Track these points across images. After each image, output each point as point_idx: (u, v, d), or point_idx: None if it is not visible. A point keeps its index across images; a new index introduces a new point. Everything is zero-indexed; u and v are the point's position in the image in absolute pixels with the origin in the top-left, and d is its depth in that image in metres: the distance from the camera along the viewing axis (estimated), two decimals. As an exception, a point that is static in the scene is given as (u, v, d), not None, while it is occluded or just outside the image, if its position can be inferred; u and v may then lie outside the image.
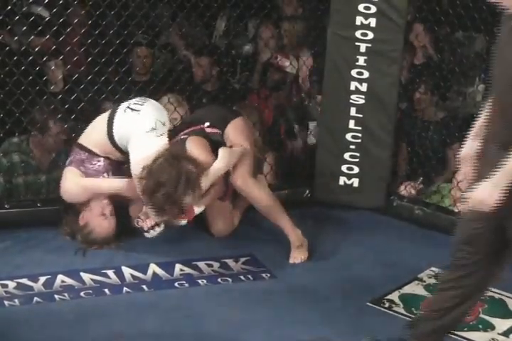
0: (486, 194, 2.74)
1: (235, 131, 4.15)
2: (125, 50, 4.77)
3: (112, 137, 4.04)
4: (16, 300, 3.61)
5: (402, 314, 3.65)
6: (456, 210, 4.62)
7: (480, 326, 3.60)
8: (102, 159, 4.10)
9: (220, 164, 3.96)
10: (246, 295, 3.74)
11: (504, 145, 2.74)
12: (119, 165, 4.15)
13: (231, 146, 4.08)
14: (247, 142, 4.13)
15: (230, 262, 4.05)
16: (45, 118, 4.49)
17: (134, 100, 4.13)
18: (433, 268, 4.07)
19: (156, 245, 4.11)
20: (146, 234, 4.02)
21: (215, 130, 4.15)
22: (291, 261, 4.05)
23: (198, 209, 3.96)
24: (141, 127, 3.96)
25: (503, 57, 2.71)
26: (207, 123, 4.17)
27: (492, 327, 3.59)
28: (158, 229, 4.00)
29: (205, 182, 3.87)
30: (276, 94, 5.49)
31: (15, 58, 4.36)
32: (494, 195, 2.73)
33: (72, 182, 4.08)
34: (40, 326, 3.41)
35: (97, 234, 4.06)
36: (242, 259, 4.06)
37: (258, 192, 4.06)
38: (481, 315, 3.68)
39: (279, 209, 4.08)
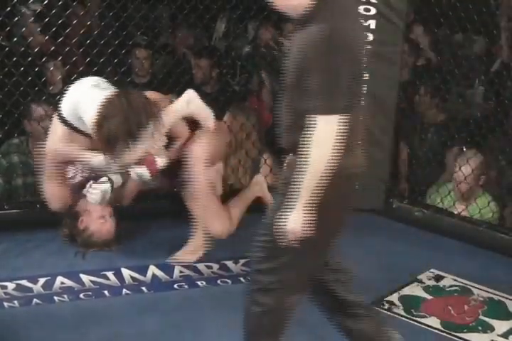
0: (292, 225, 2.57)
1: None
2: (124, 51, 4.78)
3: (63, 118, 3.82)
4: (16, 302, 3.61)
5: (401, 315, 3.65)
6: (456, 212, 4.62)
7: (479, 327, 3.60)
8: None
9: (180, 103, 3.83)
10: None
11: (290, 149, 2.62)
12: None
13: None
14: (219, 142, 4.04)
15: (230, 264, 4.05)
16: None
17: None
18: (432, 270, 4.07)
19: (156, 247, 4.11)
20: (90, 196, 3.88)
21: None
22: (170, 259, 3.99)
23: (161, 161, 3.82)
24: (82, 90, 3.78)
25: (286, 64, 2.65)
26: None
27: (491, 329, 3.59)
28: (103, 187, 3.85)
29: (164, 121, 3.67)
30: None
31: (14, 59, 4.36)
32: (300, 223, 2.56)
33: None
34: (39, 328, 3.41)
35: (97, 237, 4.05)
36: (242, 261, 4.05)
37: (202, 170, 3.87)
38: (481, 317, 3.68)
39: (203, 206, 3.92)
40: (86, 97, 3.73)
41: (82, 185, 3.96)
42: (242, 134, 4.75)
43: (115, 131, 3.52)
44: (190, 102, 3.85)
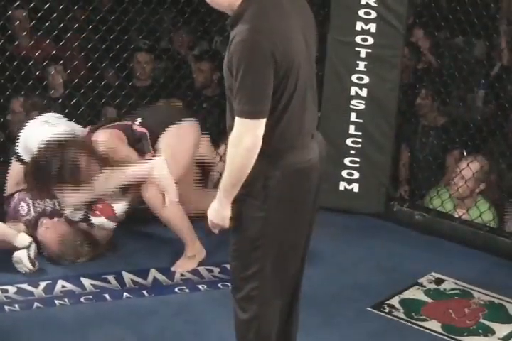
0: (216, 216, 2.70)
1: (169, 139, 4.04)
2: (125, 55, 4.78)
3: (20, 159, 3.95)
4: (17, 305, 3.61)
5: (402, 319, 3.65)
6: (457, 215, 4.62)
7: (480, 331, 3.60)
8: (15, 196, 4.01)
9: (143, 167, 3.88)
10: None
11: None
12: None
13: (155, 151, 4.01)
14: (182, 153, 4.04)
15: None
16: None
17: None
18: (433, 273, 4.07)
19: (157, 250, 4.11)
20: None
21: (142, 129, 4.04)
22: (173, 268, 3.98)
23: (119, 207, 3.94)
24: (32, 127, 3.94)
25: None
26: (138, 120, 4.08)
27: (492, 332, 3.59)
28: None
29: (114, 174, 3.81)
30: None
31: (15, 63, 4.37)
32: (226, 213, 2.67)
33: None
34: (40, 331, 3.41)
35: (47, 246, 4.00)
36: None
37: (161, 205, 3.92)
38: (481, 320, 3.68)
39: (181, 222, 3.99)
40: (33, 134, 3.89)
41: (36, 221, 4.00)
42: None
43: (42, 173, 3.72)
44: (154, 169, 3.88)
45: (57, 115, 4.11)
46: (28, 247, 3.84)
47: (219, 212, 2.69)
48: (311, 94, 2.72)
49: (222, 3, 2.64)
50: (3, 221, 3.98)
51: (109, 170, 3.82)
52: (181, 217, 3.99)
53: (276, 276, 2.76)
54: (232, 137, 2.57)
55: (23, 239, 3.86)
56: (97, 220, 3.93)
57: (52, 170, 3.71)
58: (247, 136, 2.55)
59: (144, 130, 4.03)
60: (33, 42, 4.95)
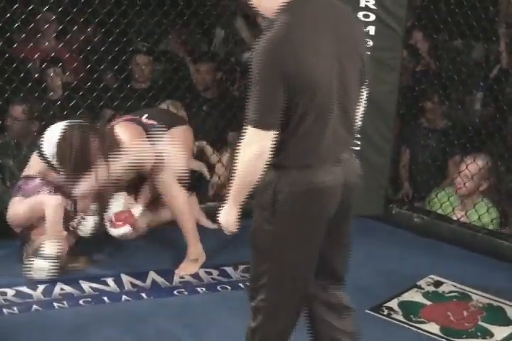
0: (223, 218, 2.74)
1: (175, 139, 4.10)
2: (124, 58, 4.78)
3: (42, 154, 3.96)
4: (15, 308, 3.61)
5: (401, 321, 3.65)
6: (455, 218, 4.63)
7: (478, 333, 3.60)
8: (37, 179, 4.00)
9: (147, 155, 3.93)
10: (245, 303, 3.71)
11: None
12: (60, 189, 4.01)
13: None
14: (183, 152, 4.10)
15: (229, 270, 4.05)
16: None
17: None
18: (432, 276, 4.08)
19: (156, 253, 4.12)
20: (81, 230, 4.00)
21: (151, 121, 4.09)
22: (177, 271, 3.98)
23: (137, 210, 3.99)
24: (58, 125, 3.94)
25: None
26: (145, 115, 4.13)
27: (491, 335, 3.59)
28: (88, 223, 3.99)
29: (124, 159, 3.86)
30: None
31: (14, 65, 4.36)
32: (231, 217, 2.71)
33: (17, 205, 3.99)
34: (39, 334, 3.41)
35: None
36: (242, 267, 4.05)
37: (177, 192, 4.00)
38: (480, 323, 3.68)
39: (190, 219, 4.04)
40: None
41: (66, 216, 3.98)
42: None
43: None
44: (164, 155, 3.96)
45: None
46: (54, 259, 3.85)
47: (225, 214, 2.72)
48: (340, 117, 2.65)
49: (270, 8, 2.60)
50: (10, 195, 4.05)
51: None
52: (190, 214, 4.04)
53: (284, 291, 2.73)
54: (242, 144, 2.59)
55: (52, 247, 3.86)
56: (120, 231, 3.96)
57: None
58: (253, 145, 2.56)
59: (154, 122, 4.09)
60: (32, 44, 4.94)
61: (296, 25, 2.55)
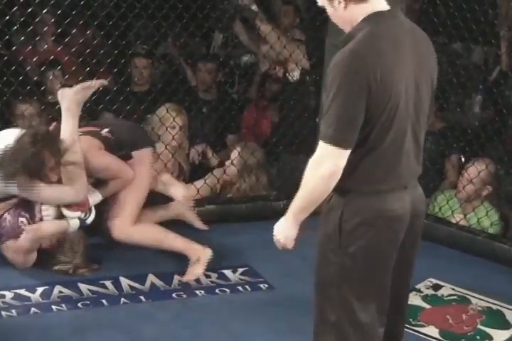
0: (281, 235, 2.63)
1: (139, 161, 4.03)
2: (123, 61, 4.78)
3: None
4: (14, 311, 3.60)
5: (400, 325, 3.64)
6: (454, 221, 4.62)
7: (478, 337, 3.60)
8: (3, 216, 3.87)
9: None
10: (244, 306, 3.73)
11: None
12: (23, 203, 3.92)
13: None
14: (145, 176, 4.04)
15: (228, 273, 4.04)
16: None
17: None
18: (431, 279, 4.07)
19: (154, 255, 4.10)
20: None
21: (110, 135, 4.02)
22: (184, 278, 3.93)
23: (93, 199, 3.89)
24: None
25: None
26: (106, 129, 4.04)
27: (490, 338, 3.59)
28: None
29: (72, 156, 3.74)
30: (275, 106, 5.50)
31: (13, 68, 4.36)
32: (291, 233, 2.61)
33: (15, 249, 3.89)
34: (37, 337, 3.40)
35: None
36: (240, 270, 4.05)
37: (139, 238, 3.96)
38: (479, 326, 3.68)
39: (166, 238, 3.99)
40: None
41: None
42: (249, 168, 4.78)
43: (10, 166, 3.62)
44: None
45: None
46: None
47: (283, 229, 2.62)
48: (412, 144, 2.54)
49: (344, 18, 2.51)
50: None
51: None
52: (164, 237, 3.99)
53: (355, 335, 2.59)
54: (312, 160, 2.46)
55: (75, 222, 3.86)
56: (72, 214, 3.85)
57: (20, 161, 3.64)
58: (326, 163, 2.43)
59: (111, 136, 4.01)
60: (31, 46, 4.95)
61: (382, 38, 2.44)
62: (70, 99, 3.80)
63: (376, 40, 2.44)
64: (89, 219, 3.91)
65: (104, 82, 3.90)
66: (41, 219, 3.87)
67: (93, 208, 3.92)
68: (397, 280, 2.70)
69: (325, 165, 2.43)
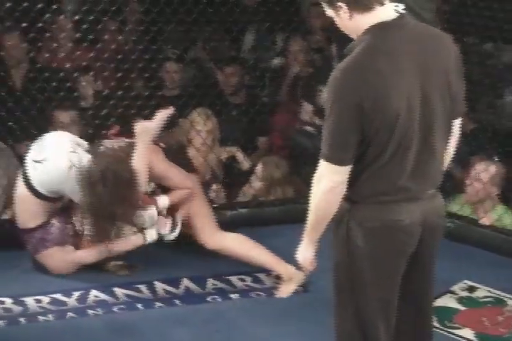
0: (300, 256, 2.69)
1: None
2: (154, 65, 4.81)
3: (41, 196, 3.82)
4: (50, 315, 3.63)
5: (435, 327, 3.61)
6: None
7: (514, 339, 3.58)
8: (50, 222, 3.92)
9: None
10: (278, 309, 3.73)
11: None
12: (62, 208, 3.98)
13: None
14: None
15: (262, 276, 4.05)
16: None
17: (32, 149, 3.88)
18: (465, 281, 4.05)
19: (188, 259, 4.12)
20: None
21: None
22: (276, 295, 3.91)
23: (161, 201, 3.89)
24: (60, 173, 3.73)
25: None
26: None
27: (527, 340, 3.57)
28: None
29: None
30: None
31: (46, 74, 4.40)
32: (307, 254, 2.67)
33: (58, 263, 3.94)
34: (73, 341, 3.43)
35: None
36: (274, 273, 4.04)
37: (232, 244, 3.99)
38: (516, 329, 3.66)
39: (254, 249, 3.99)
40: (67, 182, 3.72)
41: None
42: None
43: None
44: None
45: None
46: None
47: (300, 250, 2.69)
48: (424, 153, 2.50)
49: (351, 28, 2.49)
50: (37, 250, 3.92)
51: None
52: (255, 249, 4.00)
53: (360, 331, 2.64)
54: (314, 177, 2.52)
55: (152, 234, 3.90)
56: (151, 210, 3.87)
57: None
58: (324, 179, 2.48)
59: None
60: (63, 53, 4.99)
61: (378, 53, 2.42)
62: (152, 134, 3.82)
63: (370, 57, 2.42)
64: (174, 234, 3.95)
65: (169, 111, 3.90)
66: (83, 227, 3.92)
67: (179, 224, 3.95)
68: (418, 295, 2.74)
69: (323, 181, 2.49)
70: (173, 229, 3.94)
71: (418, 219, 2.56)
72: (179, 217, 3.96)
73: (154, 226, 3.90)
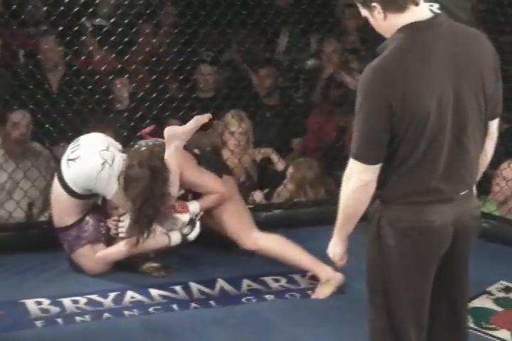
0: (330, 252, 2.73)
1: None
2: (189, 68, 4.84)
3: (75, 194, 3.85)
4: (87, 316, 3.65)
5: (471, 328, 3.59)
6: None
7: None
8: (85, 219, 3.95)
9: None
10: (313, 311, 3.72)
11: None
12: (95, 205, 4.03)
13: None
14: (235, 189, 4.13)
15: (297, 277, 4.05)
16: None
17: (68, 149, 3.91)
18: (502, 282, 4.02)
19: (223, 260, 4.13)
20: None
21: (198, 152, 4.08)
22: (313, 296, 3.89)
23: (192, 207, 3.90)
24: (92, 170, 3.76)
25: None
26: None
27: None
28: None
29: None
30: (340, 110, 5.48)
31: (82, 77, 4.44)
32: (336, 250, 2.71)
33: (91, 262, 3.97)
34: (110, 341, 3.45)
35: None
36: (309, 274, 4.04)
37: (270, 244, 3.99)
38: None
39: (291, 250, 3.98)
40: (100, 180, 3.75)
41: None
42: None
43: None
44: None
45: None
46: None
47: (330, 246, 2.73)
48: (457, 153, 2.49)
49: (385, 28, 2.49)
50: (73, 249, 3.96)
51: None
52: (292, 248, 3.99)
53: (391, 329, 2.64)
54: (344, 175, 2.54)
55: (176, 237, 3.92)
56: (185, 217, 3.89)
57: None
58: (353, 178, 2.50)
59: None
60: (99, 56, 5.03)
61: (408, 53, 2.42)
62: (182, 138, 3.80)
63: (401, 56, 2.42)
64: (193, 235, 3.94)
65: (206, 118, 3.89)
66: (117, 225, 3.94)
67: (198, 225, 3.94)
68: (452, 296, 2.73)
69: (352, 180, 2.51)
70: (192, 228, 3.93)
71: (450, 220, 2.55)
72: (197, 217, 3.95)
73: (179, 229, 3.91)
